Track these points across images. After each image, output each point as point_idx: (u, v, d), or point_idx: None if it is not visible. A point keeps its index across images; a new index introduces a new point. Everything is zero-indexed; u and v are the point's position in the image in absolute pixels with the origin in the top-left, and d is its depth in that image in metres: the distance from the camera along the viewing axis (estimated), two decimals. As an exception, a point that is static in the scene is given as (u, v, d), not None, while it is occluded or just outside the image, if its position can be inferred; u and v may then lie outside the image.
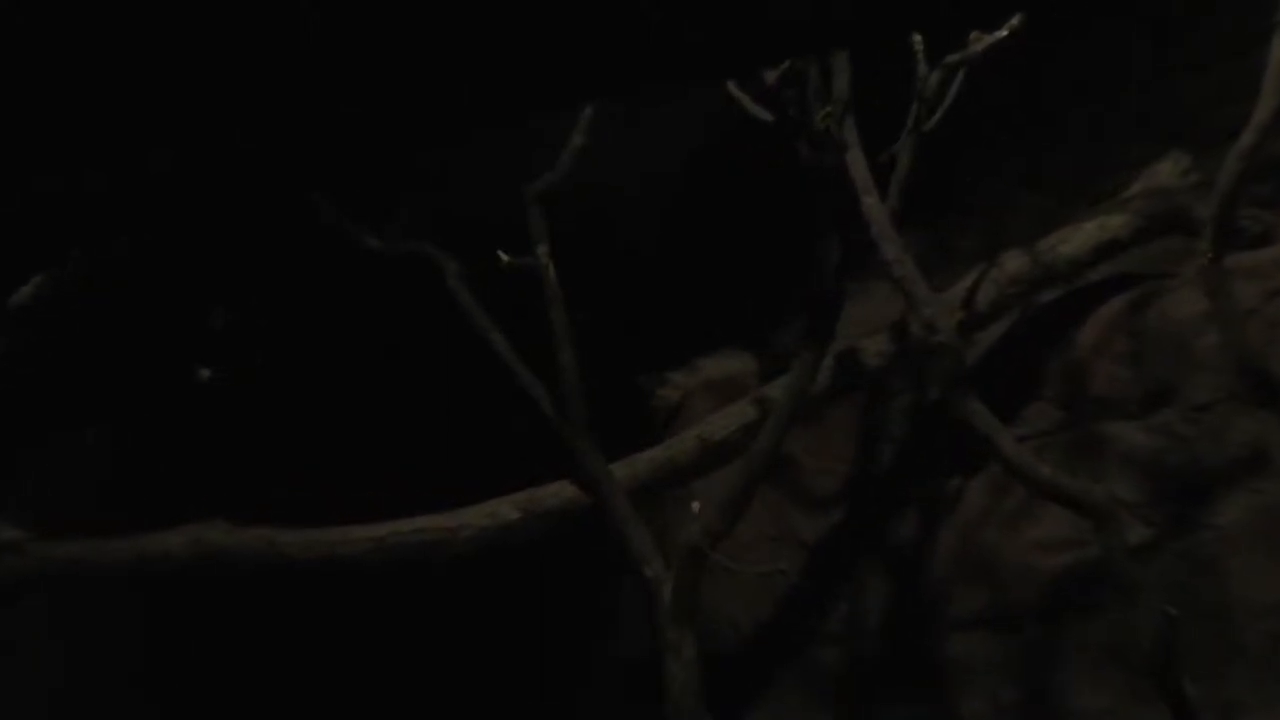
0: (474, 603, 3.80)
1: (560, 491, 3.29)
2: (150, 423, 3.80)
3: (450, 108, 1.73)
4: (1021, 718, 3.24)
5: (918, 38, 3.19)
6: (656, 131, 3.59)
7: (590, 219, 3.62)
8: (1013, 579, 3.31)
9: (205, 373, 3.69)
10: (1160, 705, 2.87)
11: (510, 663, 3.89)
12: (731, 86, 3.15)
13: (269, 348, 3.87)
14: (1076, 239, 3.35)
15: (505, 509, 3.27)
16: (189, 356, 3.76)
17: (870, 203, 3.19)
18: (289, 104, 1.64)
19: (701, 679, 3.05)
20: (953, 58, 3.22)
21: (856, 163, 3.18)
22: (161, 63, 1.57)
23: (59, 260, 2.85)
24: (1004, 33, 3.13)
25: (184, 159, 1.67)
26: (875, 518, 3.53)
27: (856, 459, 3.56)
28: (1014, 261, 3.37)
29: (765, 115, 3.09)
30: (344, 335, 3.91)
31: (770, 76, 2.98)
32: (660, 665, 3.06)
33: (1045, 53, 3.38)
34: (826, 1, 1.61)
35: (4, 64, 1.54)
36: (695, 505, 3.13)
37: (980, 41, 3.19)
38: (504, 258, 3.22)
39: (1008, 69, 3.20)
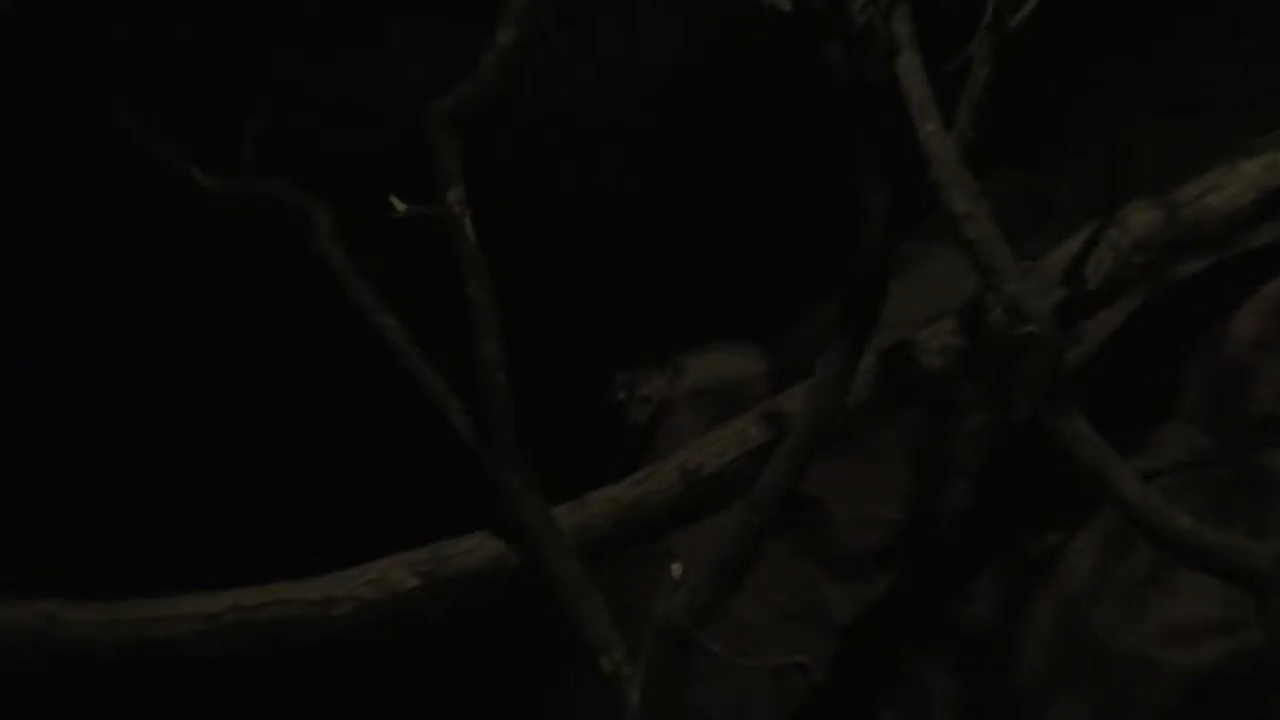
0: (363, 699, 3.75)
1: (479, 547, 3.17)
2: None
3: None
4: None
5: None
6: (628, 27, 3.61)
7: (530, 153, 3.64)
8: (1135, 677, 3.18)
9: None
10: None
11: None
12: (734, -40, 3.07)
13: (53, 337, 3.82)
14: (1232, 185, 3.20)
15: (399, 573, 3.15)
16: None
17: (932, 131, 2.98)
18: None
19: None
20: (1052, -80, 3.10)
21: (912, 73, 2.99)
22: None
23: None
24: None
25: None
26: (937, 588, 3.44)
27: (910, 504, 3.49)
28: (1140, 217, 3.22)
29: (782, 2, 2.98)
30: (166, 319, 3.86)
31: (789, -54, 2.87)
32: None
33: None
34: None
35: None
36: (676, 568, 2.98)
37: (1093, -104, 3.09)
38: (399, 206, 3.07)
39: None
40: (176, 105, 3.26)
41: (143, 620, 3.09)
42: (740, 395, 3.59)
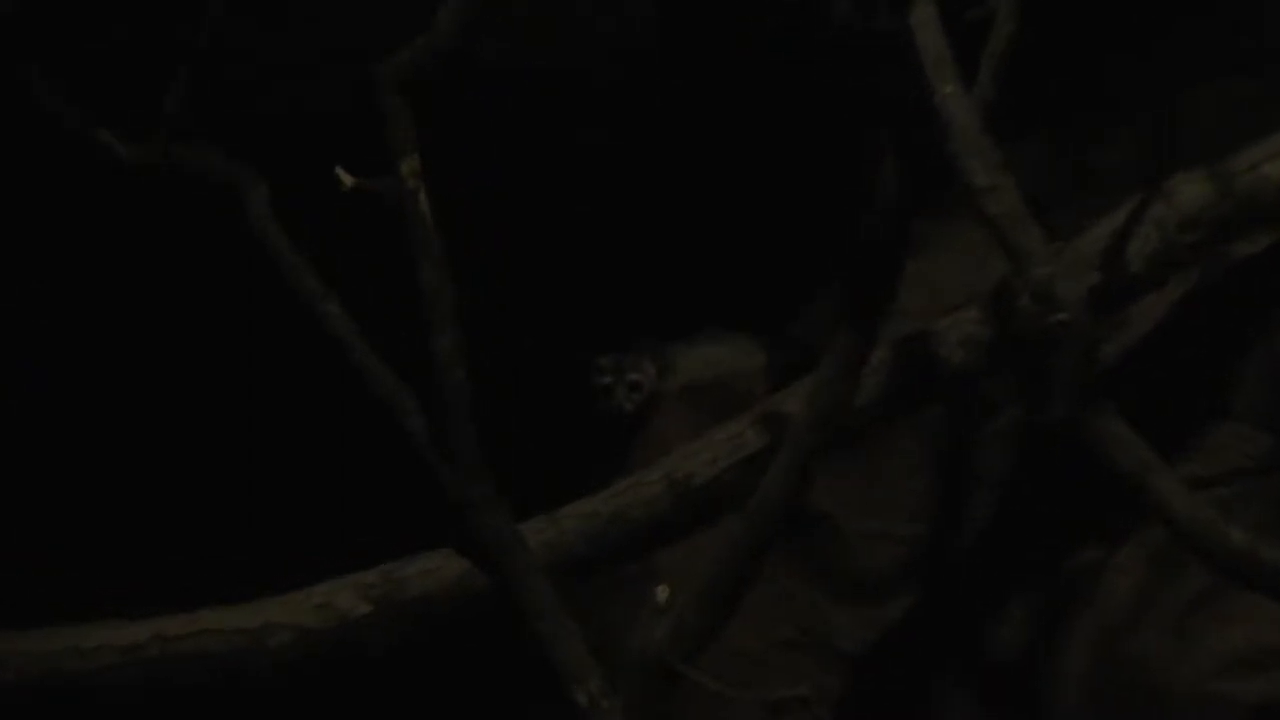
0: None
1: (438, 568, 3.18)
2: None
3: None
4: None
5: None
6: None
7: (493, 119, 3.66)
8: (1185, 711, 3.22)
9: None
10: None
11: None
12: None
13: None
14: (1297, 153, 3.31)
15: (347, 597, 3.16)
16: None
17: (950, 93, 2.99)
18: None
19: None
20: None
21: (928, 27, 2.98)
22: None
23: None
24: None
25: None
26: (960, 612, 3.48)
27: (928, 517, 3.52)
28: (1190, 190, 3.19)
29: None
30: (80, 308, 3.89)
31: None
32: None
33: None
34: None
35: None
36: (661, 591, 2.99)
37: None
38: (346, 179, 3.04)
39: None
40: (99, 67, 3.28)
41: (53, 651, 3.09)
42: (736, 393, 3.60)
